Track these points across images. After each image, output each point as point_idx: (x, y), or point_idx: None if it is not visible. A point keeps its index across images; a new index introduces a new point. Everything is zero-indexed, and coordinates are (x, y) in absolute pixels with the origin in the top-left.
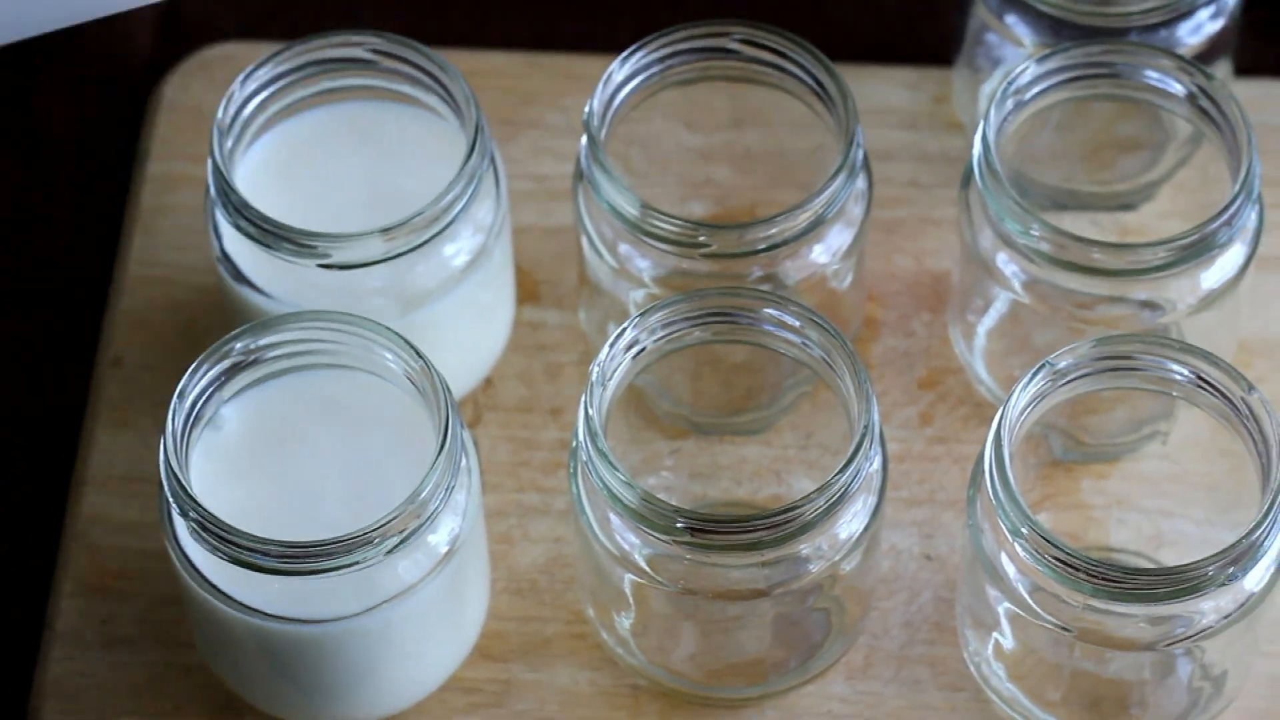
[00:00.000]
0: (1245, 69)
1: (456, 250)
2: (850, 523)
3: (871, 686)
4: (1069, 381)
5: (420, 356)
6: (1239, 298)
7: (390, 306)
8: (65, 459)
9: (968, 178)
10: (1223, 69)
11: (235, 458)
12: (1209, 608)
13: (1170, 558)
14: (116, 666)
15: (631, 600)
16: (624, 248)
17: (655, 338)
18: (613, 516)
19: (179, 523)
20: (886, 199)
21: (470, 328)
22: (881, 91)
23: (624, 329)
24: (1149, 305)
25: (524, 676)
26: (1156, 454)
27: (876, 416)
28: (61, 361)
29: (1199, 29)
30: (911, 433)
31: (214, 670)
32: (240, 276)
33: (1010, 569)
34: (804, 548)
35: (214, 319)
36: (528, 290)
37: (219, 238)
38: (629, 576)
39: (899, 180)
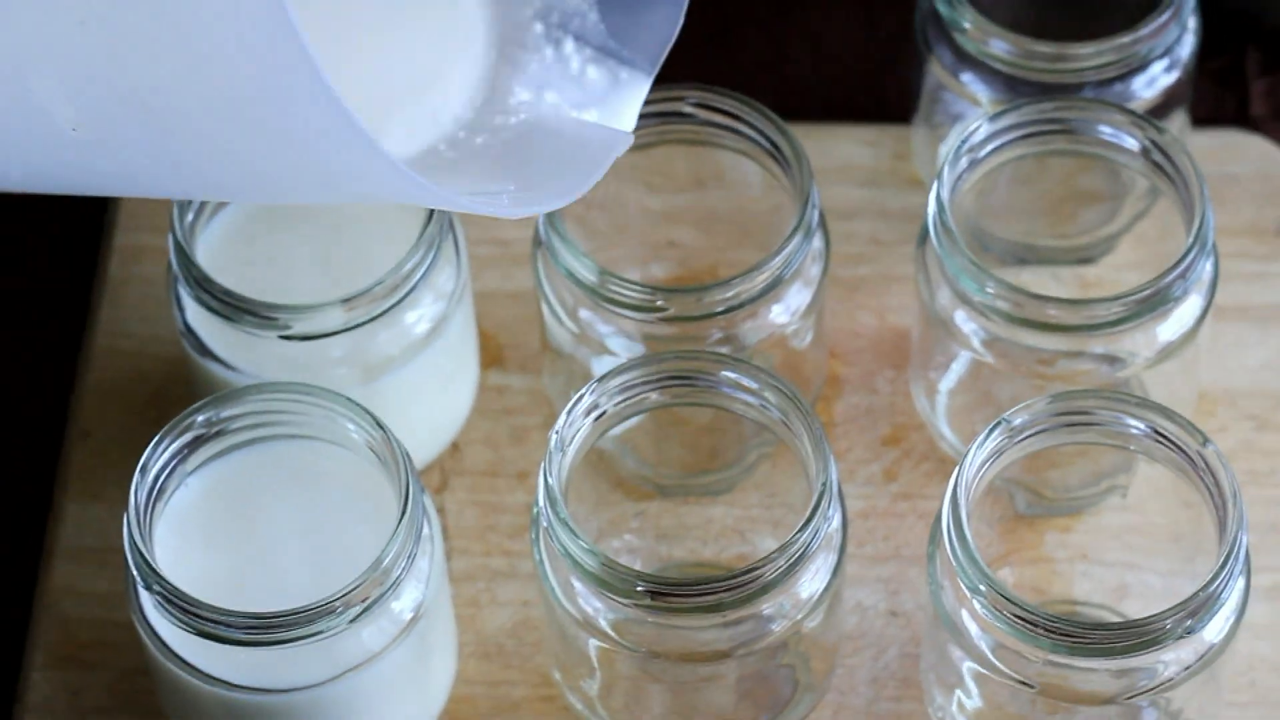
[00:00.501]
0: (1205, 118)
1: (418, 318)
2: (811, 581)
3: None
4: (1026, 438)
5: (380, 426)
6: (1198, 348)
7: (353, 375)
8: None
9: (924, 237)
10: (1179, 120)
11: (200, 529)
12: (1170, 659)
13: (1135, 609)
14: None
15: (596, 664)
16: (584, 313)
17: (614, 402)
18: (575, 582)
19: (144, 595)
20: (848, 256)
21: (434, 394)
22: (841, 149)
23: (582, 395)
24: (1108, 359)
25: None
26: (1118, 506)
27: (835, 476)
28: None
29: (1153, 82)
30: (875, 489)
31: None
32: (204, 349)
33: (971, 626)
34: (766, 607)
35: (182, 389)
36: (492, 355)
37: (182, 311)
38: (593, 641)
39: (860, 237)
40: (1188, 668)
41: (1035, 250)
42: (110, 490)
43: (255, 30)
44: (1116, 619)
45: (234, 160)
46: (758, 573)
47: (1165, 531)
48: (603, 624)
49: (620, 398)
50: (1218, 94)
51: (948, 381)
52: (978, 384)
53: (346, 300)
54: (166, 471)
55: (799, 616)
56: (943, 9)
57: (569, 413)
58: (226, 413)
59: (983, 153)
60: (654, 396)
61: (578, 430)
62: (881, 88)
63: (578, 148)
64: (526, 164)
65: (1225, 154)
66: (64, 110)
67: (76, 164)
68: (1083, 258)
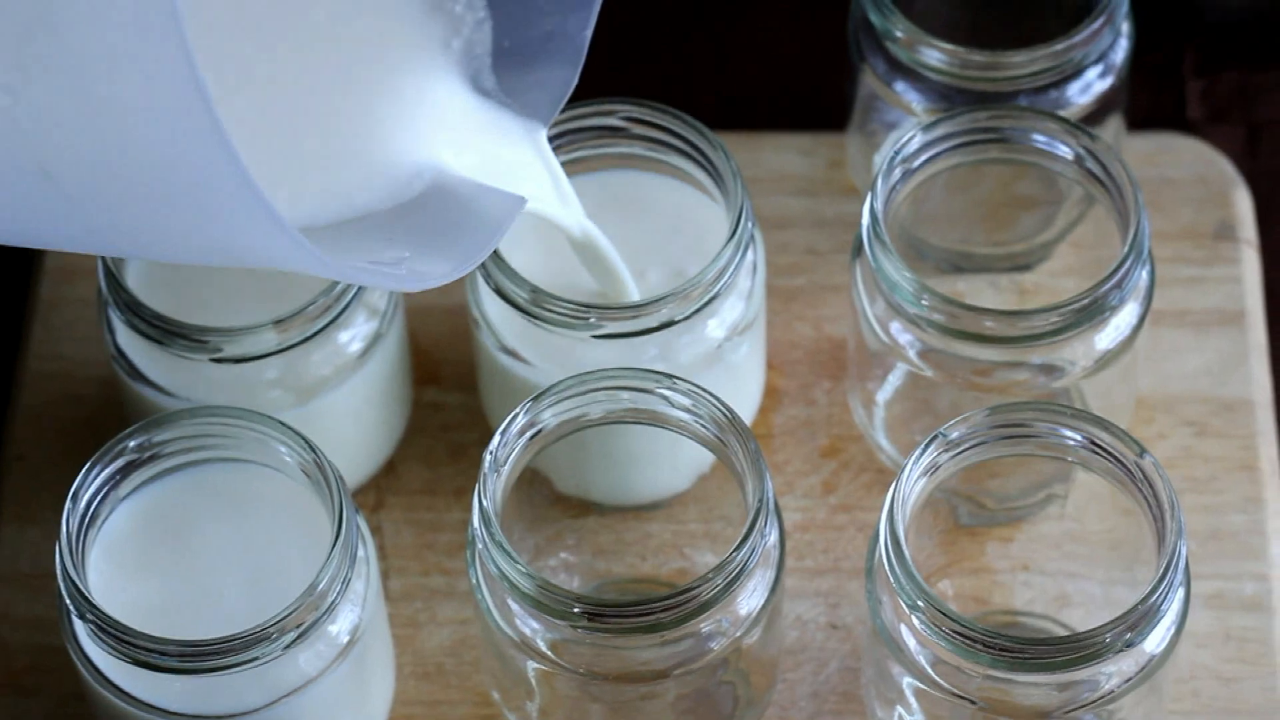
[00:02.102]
0: (1141, 120)
1: (351, 337)
2: (750, 598)
3: None
4: (963, 451)
5: (312, 449)
6: (1136, 355)
7: (287, 397)
8: None
9: (858, 249)
10: (1114, 124)
11: (134, 555)
12: (1112, 671)
13: (1076, 618)
14: None
15: (535, 684)
16: (520, 331)
17: (549, 421)
18: (512, 603)
19: (78, 623)
20: (784, 266)
21: (369, 413)
22: (777, 158)
23: (516, 414)
24: (1046, 369)
25: None
26: (1058, 515)
27: (771, 493)
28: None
29: (1088, 88)
30: (814, 502)
31: None
32: (135, 373)
33: (910, 642)
34: (705, 626)
35: (116, 411)
36: (428, 371)
37: (113, 334)
38: (531, 663)
39: (797, 247)
40: (1129, 679)
41: (972, 258)
42: (46, 514)
43: (168, 105)
44: (1058, 629)
45: (132, 228)
46: (695, 592)
47: (1105, 539)
48: (540, 645)
49: (555, 417)
50: (1154, 96)
51: (885, 393)
52: (915, 395)
53: (279, 321)
54: (99, 498)
55: (738, 634)
56: (875, 18)
57: (503, 433)
58: (159, 438)
59: (916, 163)
60: (589, 414)
61: (512, 451)
62: (822, 95)
63: (473, 212)
64: (420, 228)
65: (1162, 157)
66: None
67: None
68: (1020, 265)
